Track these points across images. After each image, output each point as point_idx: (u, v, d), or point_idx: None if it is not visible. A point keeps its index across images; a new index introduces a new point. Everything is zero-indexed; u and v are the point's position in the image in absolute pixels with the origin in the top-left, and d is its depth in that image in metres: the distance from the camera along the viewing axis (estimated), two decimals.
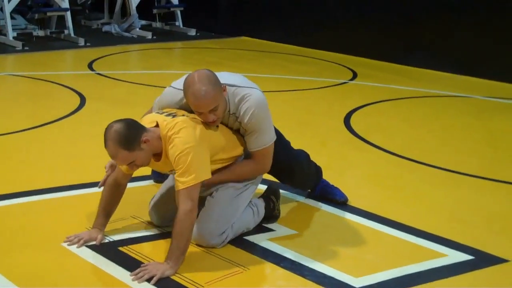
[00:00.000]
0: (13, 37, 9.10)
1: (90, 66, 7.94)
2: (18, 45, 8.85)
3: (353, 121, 5.93)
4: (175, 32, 10.99)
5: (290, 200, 4.00)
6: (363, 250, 3.41)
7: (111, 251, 3.20)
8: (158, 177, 3.98)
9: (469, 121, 6.24)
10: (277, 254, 3.27)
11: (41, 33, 9.76)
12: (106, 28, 10.73)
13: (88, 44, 9.41)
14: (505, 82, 7.90)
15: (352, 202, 3.98)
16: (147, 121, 3.17)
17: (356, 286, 3.02)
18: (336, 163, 4.80)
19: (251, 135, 3.32)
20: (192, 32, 10.83)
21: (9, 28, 9.09)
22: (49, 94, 6.73)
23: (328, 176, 4.47)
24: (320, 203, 3.96)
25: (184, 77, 3.23)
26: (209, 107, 3.08)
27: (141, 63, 9.19)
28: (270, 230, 3.55)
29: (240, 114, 3.27)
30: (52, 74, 7.43)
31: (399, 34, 8.98)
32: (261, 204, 3.55)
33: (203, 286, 2.93)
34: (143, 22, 10.99)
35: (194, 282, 2.95)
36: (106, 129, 3.01)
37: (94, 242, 3.23)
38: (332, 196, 3.95)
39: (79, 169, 4.37)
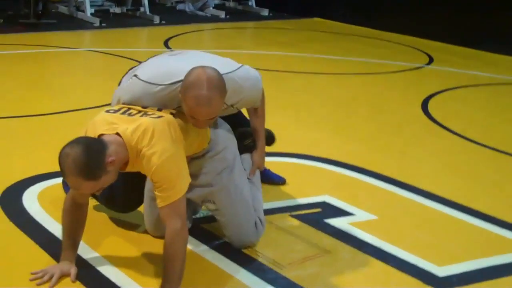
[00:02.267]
0: (91, 14, 9.28)
1: (166, 44, 8.03)
2: (96, 21, 9.02)
3: (431, 106, 5.83)
4: (247, 12, 11.00)
5: (368, 185, 3.98)
6: (444, 239, 3.36)
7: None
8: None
9: None
10: (358, 239, 3.26)
11: (117, 10, 9.92)
12: (180, 6, 10.82)
13: (163, 22, 9.52)
14: None
15: (431, 189, 3.93)
16: (103, 127, 2.58)
17: (440, 275, 2.99)
18: (413, 150, 4.74)
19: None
20: (265, 12, 10.83)
21: (87, 5, 9.28)
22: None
23: (406, 162, 4.45)
24: (397, 189, 3.93)
25: (152, 65, 2.89)
26: (208, 116, 2.64)
27: (215, 42, 9.22)
28: (350, 214, 3.54)
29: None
30: (130, 51, 7.54)
31: (476, 18, 8.77)
32: (248, 161, 3.21)
33: (285, 267, 2.94)
34: (217, 1, 11.04)
35: (277, 262, 2.97)
36: (61, 157, 2.43)
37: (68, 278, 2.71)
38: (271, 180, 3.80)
39: None
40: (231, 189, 2.95)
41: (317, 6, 10.71)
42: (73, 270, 2.71)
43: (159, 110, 2.72)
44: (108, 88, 6.09)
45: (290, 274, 2.88)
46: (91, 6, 9.47)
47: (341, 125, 5.16)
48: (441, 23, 9.11)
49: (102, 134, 2.56)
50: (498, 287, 2.95)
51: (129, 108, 2.71)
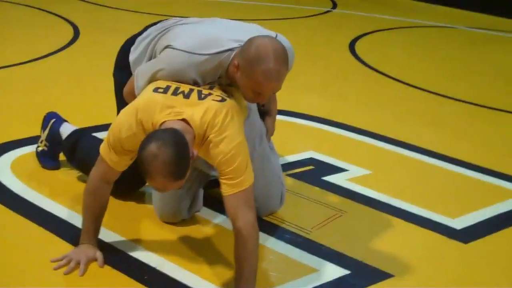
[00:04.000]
0: None
1: None
2: None
3: (360, 51, 5.83)
4: None
5: (343, 137, 3.90)
6: (443, 190, 3.36)
7: None
8: None
9: (468, 52, 6.30)
10: (365, 196, 3.17)
11: None
12: None
13: None
14: (481, 12, 8.03)
15: (406, 138, 3.91)
16: (163, 112, 2.28)
17: (458, 228, 2.98)
18: (367, 98, 4.71)
19: None
20: None
21: None
22: (35, 21, 6.26)
23: (367, 112, 4.42)
24: (374, 141, 3.88)
25: (186, 34, 2.53)
26: (274, 91, 2.42)
27: None
28: (344, 170, 3.45)
29: None
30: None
31: None
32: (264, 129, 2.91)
33: (310, 231, 2.81)
34: None
35: (301, 227, 2.82)
36: (146, 157, 2.11)
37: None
38: None
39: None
40: (264, 158, 2.75)
41: None
42: (99, 255, 2.43)
43: (211, 87, 2.44)
44: (32, 40, 5.50)
45: (320, 239, 2.74)
46: None
47: None
48: None
49: (165, 121, 2.26)
50: None
51: (178, 87, 2.39)
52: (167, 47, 2.50)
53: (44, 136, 3.12)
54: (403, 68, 5.50)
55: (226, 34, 2.49)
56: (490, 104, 4.75)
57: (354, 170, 3.46)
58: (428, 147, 3.84)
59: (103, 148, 2.38)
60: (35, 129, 3.28)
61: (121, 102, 2.72)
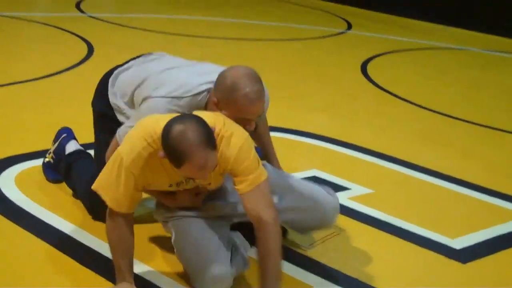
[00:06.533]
0: None
1: (78, 7, 7.54)
2: None
3: (371, 72, 5.86)
4: None
5: (348, 157, 3.92)
6: (444, 210, 3.36)
7: None
8: None
9: (479, 74, 6.29)
10: (365, 215, 3.19)
11: None
12: None
13: None
14: (493, 34, 8.04)
15: (414, 160, 3.92)
16: (167, 119, 2.18)
17: (457, 248, 2.98)
18: (376, 118, 4.72)
19: None
20: None
21: None
22: (51, 38, 6.36)
23: (375, 131, 4.43)
24: (380, 160, 3.90)
25: (159, 82, 2.58)
26: (261, 111, 2.42)
27: (130, 5, 8.65)
28: (346, 188, 3.47)
29: None
30: (41, 16, 7.02)
31: None
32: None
33: (309, 249, 2.82)
34: None
35: (299, 245, 2.84)
36: (177, 135, 2.07)
37: None
38: None
39: None
40: (279, 173, 2.75)
41: None
42: None
43: None
44: (46, 57, 5.56)
45: (317, 257, 2.76)
46: None
47: (294, 94, 5.05)
48: None
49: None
50: None
51: None
52: (146, 98, 2.56)
53: (53, 148, 3.20)
54: (414, 90, 5.52)
55: (196, 79, 2.56)
56: (496, 125, 4.75)
57: (356, 189, 3.48)
58: (433, 167, 3.85)
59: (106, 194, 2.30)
60: (45, 144, 3.34)
61: (100, 131, 2.83)
